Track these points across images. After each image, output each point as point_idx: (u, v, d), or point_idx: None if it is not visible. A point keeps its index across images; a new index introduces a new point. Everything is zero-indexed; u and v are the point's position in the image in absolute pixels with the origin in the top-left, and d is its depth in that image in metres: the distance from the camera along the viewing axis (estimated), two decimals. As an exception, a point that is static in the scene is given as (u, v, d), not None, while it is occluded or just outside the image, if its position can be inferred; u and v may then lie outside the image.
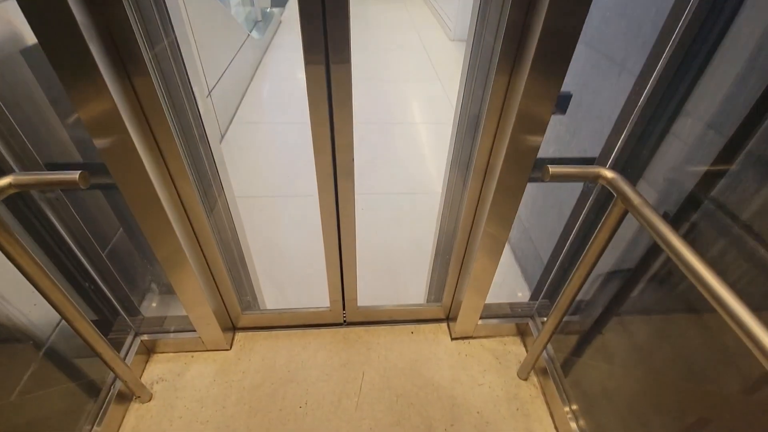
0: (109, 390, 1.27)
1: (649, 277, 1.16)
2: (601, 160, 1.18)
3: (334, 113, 0.98)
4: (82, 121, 0.83)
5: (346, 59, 0.90)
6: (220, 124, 3.13)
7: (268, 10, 5.64)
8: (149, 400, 1.33)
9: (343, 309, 1.55)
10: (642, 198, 0.82)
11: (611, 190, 0.88)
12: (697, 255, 0.68)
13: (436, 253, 1.59)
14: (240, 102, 3.66)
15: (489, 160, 1.12)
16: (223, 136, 3.13)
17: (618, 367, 1.25)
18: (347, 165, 1.10)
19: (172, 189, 1.07)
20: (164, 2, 0.88)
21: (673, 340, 1.10)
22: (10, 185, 0.79)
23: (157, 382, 1.38)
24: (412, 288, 1.76)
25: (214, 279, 1.34)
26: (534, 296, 1.61)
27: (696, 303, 1.03)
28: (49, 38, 0.72)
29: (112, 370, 1.16)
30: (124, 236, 1.52)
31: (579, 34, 0.80)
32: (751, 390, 0.80)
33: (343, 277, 1.42)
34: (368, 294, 1.61)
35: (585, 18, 0.78)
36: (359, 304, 1.53)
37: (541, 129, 0.95)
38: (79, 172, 0.80)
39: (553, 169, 0.89)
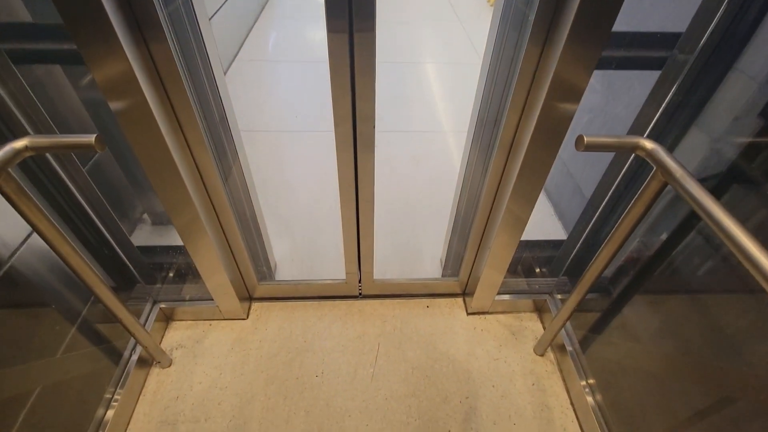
0: (130, 355, 1.30)
1: (679, 253, 1.12)
2: (636, 130, 1.12)
3: (356, 82, 0.93)
4: (97, 83, 0.80)
5: (370, 27, 0.84)
6: (222, 60, 3.10)
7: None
8: (169, 366, 1.36)
9: (359, 282, 1.54)
10: (685, 169, 0.77)
11: (650, 162, 0.83)
12: (747, 232, 0.63)
13: (453, 226, 1.56)
14: (244, 40, 3.68)
15: (515, 134, 1.07)
16: (225, 73, 3.09)
17: (639, 344, 1.22)
18: (368, 136, 1.06)
19: (188, 156, 1.04)
20: None
21: (701, 319, 1.06)
22: (26, 148, 0.77)
23: (176, 349, 1.41)
24: (428, 259, 1.73)
25: (230, 248, 1.34)
26: (553, 273, 1.58)
27: (730, 282, 0.99)
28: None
29: (132, 335, 1.18)
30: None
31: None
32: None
33: (360, 250, 1.40)
34: (383, 262, 1.60)
35: None
36: (375, 274, 1.52)
37: (576, 97, 0.89)
38: (95, 135, 0.78)
39: (588, 138, 0.84)
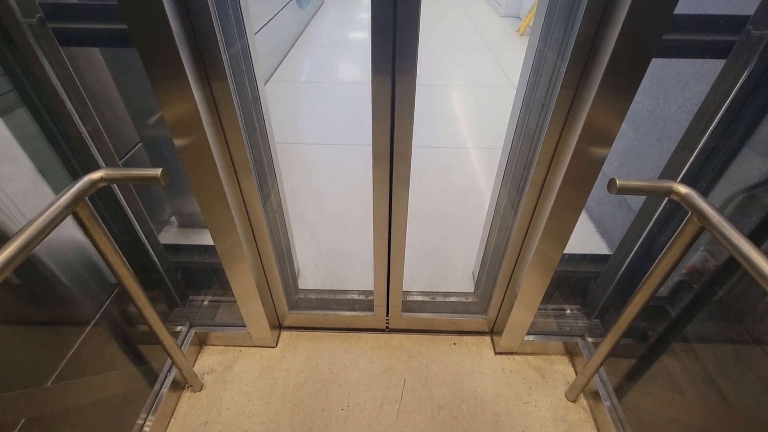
0: (165, 377, 1.34)
1: (718, 300, 1.09)
2: (668, 174, 1.13)
3: (396, 122, 1.00)
4: (165, 120, 0.89)
5: (412, 72, 0.92)
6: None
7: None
8: (200, 390, 1.39)
9: (387, 315, 1.55)
10: (721, 215, 0.77)
11: (685, 207, 0.84)
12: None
13: (482, 263, 1.57)
14: (279, 63, 4.12)
15: (547, 175, 1.10)
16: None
17: (679, 395, 1.17)
18: (404, 173, 1.11)
19: (236, 185, 1.12)
20: (239, 6, 0.94)
21: (742, 370, 1.02)
22: (101, 179, 0.86)
23: (207, 373, 1.44)
24: (456, 291, 1.74)
25: (266, 276, 1.39)
26: (585, 315, 1.55)
27: (775, 332, 0.95)
28: (146, 44, 0.79)
29: (171, 357, 1.23)
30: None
31: (657, 44, 0.77)
32: None
33: (390, 285, 1.43)
34: (410, 277, 1.63)
35: (664, 28, 0.76)
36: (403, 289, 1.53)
37: (608, 142, 0.92)
38: (161, 169, 0.87)
39: (621, 182, 0.86)
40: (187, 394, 1.38)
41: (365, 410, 1.34)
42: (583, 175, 0.99)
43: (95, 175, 0.85)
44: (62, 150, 1.10)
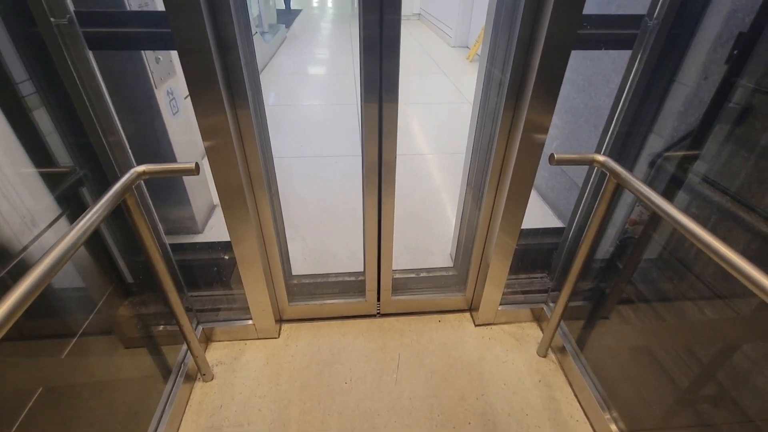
0: (179, 368, 1.44)
1: (655, 243, 1.39)
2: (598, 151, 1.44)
3: (384, 140, 1.27)
4: (200, 128, 1.09)
5: (395, 98, 1.19)
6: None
7: (275, 24, 6.82)
8: (211, 380, 1.49)
9: (378, 300, 1.74)
10: (629, 173, 1.06)
11: (604, 170, 1.13)
12: (680, 210, 0.90)
13: (456, 253, 1.81)
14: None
15: (501, 169, 1.39)
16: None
17: (631, 333, 1.44)
18: (390, 178, 1.36)
19: (251, 192, 1.31)
20: (252, 41, 1.17)
21: (678, 299, 1.30)
22: (144, 172, 1.03)
23: (216, 365, 1.55)
24: (438, 267, 1.96)
25: (270, 272, 1.55)
26: (551, 281, 1.81)
27: (683, 288, 1.25)
28: (195, 78, 1.00)
29: (188, 343, 1.34)
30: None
31: (565, 67, 1.08)
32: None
33: (380, 268, 1.63)
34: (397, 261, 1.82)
35: (568, 58, 1.07)
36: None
37: (545, 130, 1.21)
38: (195, 162, 1.05)
39: (558, 155, 1.14)
40: (199, 384, 1.48)
41: (366, 382, 1.50)
42: (529, 160, 1.27)
43: (140, 168, 1.02)
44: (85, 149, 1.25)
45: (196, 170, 1.05)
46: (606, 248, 1.64)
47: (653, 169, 1.39)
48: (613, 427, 1.29)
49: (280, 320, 1.73)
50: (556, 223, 2.28)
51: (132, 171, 1.01)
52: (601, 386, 1.39)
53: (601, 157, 1.13)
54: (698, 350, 1.23)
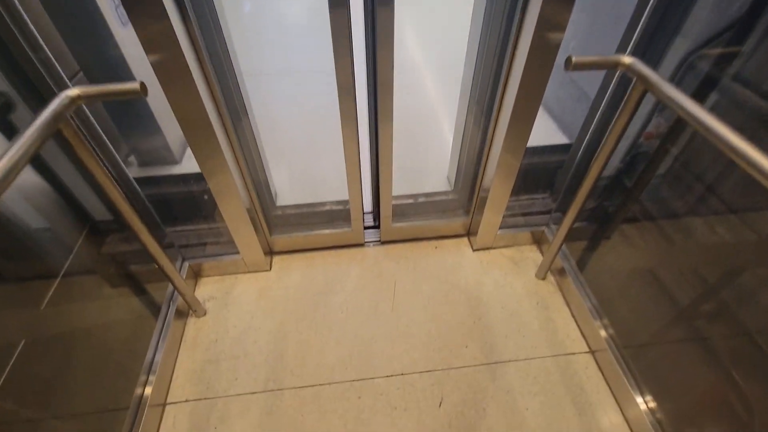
0: (168, 306, 1.40)
1: (671, 158, 1.26)
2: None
3: (378, 45, 1.06)
4: (139, 37, 0.88)
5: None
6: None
7: None
8: (204, 315, 1.47)
9: (374, 222, 1.66)
10: (659, 77, 0.89)
11: (630, 74, 0.95)
12: (716, 117, 0.76)
13: (457, 175, 1.68)
14: None
15: (505, 88, 1.19)
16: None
17: (634, 253, 1.38)
18: (387, 94, 1.16)
19: (216, 111, 1.13)
20: None
21: (691, 219, 1.21)
22: (78, 96, 0.85)
23: (208, 300, 1.51)
24: (437, 191, 1.86)
25: (252, 202, 1.44)
26: (553, 201, 1.72)
27: (698, 205, 1.13)
28: None
29: (172, 282, 1.28)
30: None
31: None
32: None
33: (380, 203, 1.52)
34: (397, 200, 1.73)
35: None
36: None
37: (561, 28, 1.00)
38: (139, 81, 0.86)
39: (576, 59, 0.95)
40: (192, 320, 1.46)
41: (363, 310, 1.48)
42: (540, 66, 1.08)
43: (72, 92, 0.84)
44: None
45: (142, 91, 0.87)
46: (614, 164, 1.51)
47: (683, 72, 1.20)
48: (610, 342, 1.29)
49: (270, 252, 1.67)
50: (561, 139, 2.12)
51: (63, 95, 0.83)
52: (599, 305, 1.37)
53: (627, 59, 0.95)
54: (706, 270, 1.18)
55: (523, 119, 1.22)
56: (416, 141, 2.19)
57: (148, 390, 1.20)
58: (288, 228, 1.64)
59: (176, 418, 1.22)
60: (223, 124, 1.18)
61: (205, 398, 1.27)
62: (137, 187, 1.33)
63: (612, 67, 0.98)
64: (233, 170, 1.23)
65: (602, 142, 1.09)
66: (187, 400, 1.26)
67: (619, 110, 1.01)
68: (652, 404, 1.14)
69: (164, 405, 1.25)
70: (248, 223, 1.39)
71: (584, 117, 1.52)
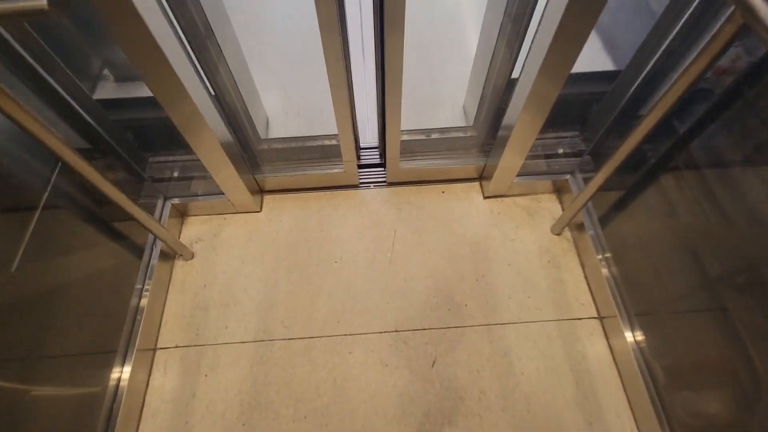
0: (151, 250, 1.32)
1: (744, 103, 1.01)
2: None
3: None
4: None
5: None
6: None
7: None
8: (192, 258, 1.39)
9: (381, 160, 1.48)
10: (773, 5, 0.62)
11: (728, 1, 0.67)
12: None
13: (479, 107, 1.42)
14: None
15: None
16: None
17: (660, 219, 1.20)
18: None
19: (171, 27, 0.89)
20: None
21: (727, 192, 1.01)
22: (-33, 17, 0.63)
23: (195, 243, 1.43)
24: (453, 126, 1.64)
25: (232, 136, 1.25)
26: (584, 141, 1.48)
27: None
28: None
29: (149, 230, 1.17)
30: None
31: None
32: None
33: (386, 140, 1.31)
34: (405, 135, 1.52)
35: None
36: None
37: None
38: (46, -4, 0.63)
39: (654, -29, 0.67)
40: (179, 263, 1.39)
41: (358, 261, 1.38)
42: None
43: (-44, 11, 0.63)
44: None
45: (50, 9, 0.64)
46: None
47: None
48: (622, 310, 1.19)
49: (260, 191, 1.52)
50: (605, 63, 1.76)
51: (-57, 15, 0.61)
52: (618, 269, 1.24)
53: (730, -27, 0.66)
54: (752, 247, 1.01)
55: (572, 36, 0.91)
56: (430, 61, 1.87)
57: (136, 332, 1.17)
58: (277, 166, 1.47)
59: (167, 364, 1.22)
60: (184, 43, 0.94)
61: (195, 345, 1.25)
62: (88, 118, 1.14)
63: (703, -15, 0.69)
64: (198, 99, 1.02)
65: (679, 74, 0.82)
66: (177, 346, 1.25)
67: (710, 38, 0.74)
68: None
69: (155, 350, 1.24)
70: (226, 160, 1.22)
71: (643, 38, 1.20)
